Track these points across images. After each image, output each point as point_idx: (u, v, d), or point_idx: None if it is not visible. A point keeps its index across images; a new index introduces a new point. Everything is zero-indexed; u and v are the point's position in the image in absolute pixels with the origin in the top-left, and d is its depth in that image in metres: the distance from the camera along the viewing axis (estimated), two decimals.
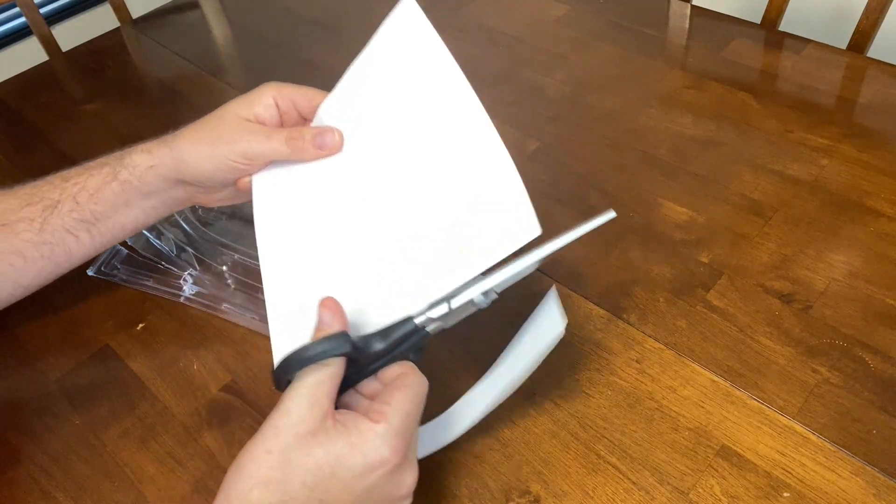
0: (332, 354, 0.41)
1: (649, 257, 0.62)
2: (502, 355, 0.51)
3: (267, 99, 0.54)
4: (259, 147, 0.52)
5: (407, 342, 0.44)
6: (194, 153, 0.53)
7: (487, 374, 0.50)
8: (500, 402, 0.49)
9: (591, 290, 0.59)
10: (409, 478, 0.42)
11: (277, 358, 0.43)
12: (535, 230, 0.44)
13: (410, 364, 0.44)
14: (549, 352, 0.48)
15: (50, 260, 0.55)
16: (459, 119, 0.48)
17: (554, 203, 0.67)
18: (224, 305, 0.61)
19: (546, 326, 0.48)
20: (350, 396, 0.45)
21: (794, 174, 0.67)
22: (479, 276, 0.45)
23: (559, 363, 0.55)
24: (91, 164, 0.56)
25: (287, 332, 0.48)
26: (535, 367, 0.48)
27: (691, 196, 0.66)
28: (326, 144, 0.53)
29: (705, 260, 0.61)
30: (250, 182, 0.55)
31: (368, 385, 0.45)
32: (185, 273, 0.63)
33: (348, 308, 0.45)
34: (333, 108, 0.55)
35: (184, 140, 0.54)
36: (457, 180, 0.48)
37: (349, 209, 0.52)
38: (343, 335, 0.42)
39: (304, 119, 0.56)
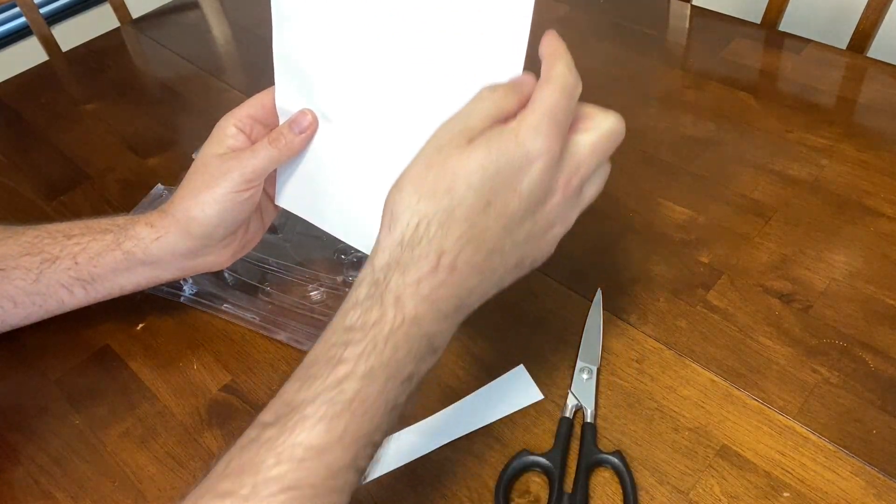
0: None
1: (649, 257, 0.62)
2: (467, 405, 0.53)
3: (230, 129, 0.54)
4: (251, 164, 0.52)
5: None
6: (198, 204, 0.53)
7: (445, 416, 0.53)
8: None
9: (591, 290, 0.59)
10: (566, 175, 0.41)
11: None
12: None
13: (558, 51, 0.41)
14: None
15: (41, 308, 0.56)
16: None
17: None
18: (224, 305, 0.61)
19: (523, 396, 0.53)
20: None
21: (794, 174, 0.67)
22: None
23: (559, 363, 0.55)
24: (95, 224, 0.56)
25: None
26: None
27: (691, 196, 0.66)
28: (304, 126, 0.53)
29: (705, 260, 0.61)
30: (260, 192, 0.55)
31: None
32: None
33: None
34: (284, 89, 0.55)
35: (181, 200, 0.54)
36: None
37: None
38: None
39: (269, 127, 0.56)
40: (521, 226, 0.40)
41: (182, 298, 0.62)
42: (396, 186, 0.40)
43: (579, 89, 0.41)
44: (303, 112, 0.54)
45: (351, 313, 0.39)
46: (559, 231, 0.43)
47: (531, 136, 0.39)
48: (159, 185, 0.73)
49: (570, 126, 0.41)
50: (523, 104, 0.41)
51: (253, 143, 0.54)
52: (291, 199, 0.58)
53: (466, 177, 0.39)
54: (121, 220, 0.56)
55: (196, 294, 0.62)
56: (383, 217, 0.40)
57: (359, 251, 0.63)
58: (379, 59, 0.50)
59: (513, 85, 0.42)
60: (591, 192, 0.44)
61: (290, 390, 0.38)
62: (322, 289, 0.61)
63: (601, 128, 0.42)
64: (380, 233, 0.40)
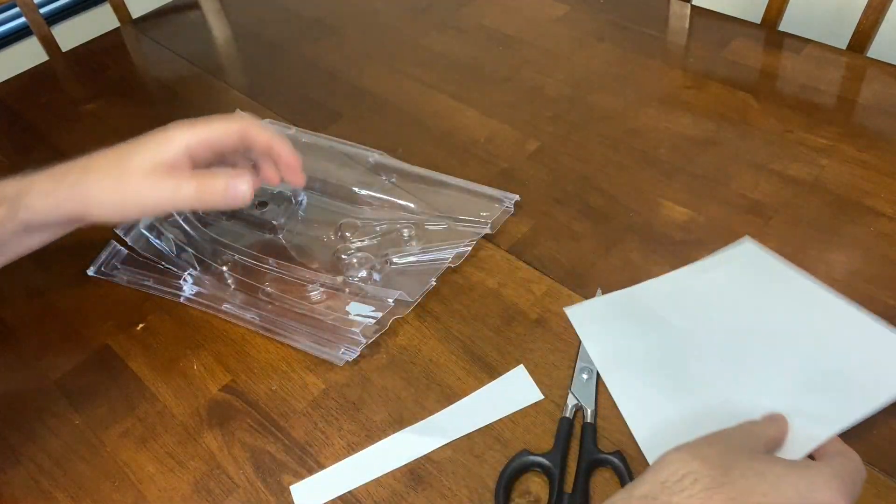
0: None
1: (649, 257, 0.62)
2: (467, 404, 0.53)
3: (179, 146, 0.52)
4: (168, 199, 0.52)
5: None
6: (99, 200, 0.52)
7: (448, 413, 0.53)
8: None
9: (591, 291, 0.59)
10: None
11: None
12: None
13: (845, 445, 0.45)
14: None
15: None
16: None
17: (554, 203, 0.67)
18: (224, 305, 0.61)
19: (523, 396, 0.53)
20: None
21: (794, 174, 0.67)
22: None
23: (559, 363, 0.55)
24: None
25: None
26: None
27: (691, 196, 0.66)
28: (238, 196, 0.52)
29: None
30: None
31: None
32: (185, 273, 0.64)
33: None
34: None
35: (88, 185, 0.52)
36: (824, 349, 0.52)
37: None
38: None
39: (218, 154, 0.55)
40: None
41: (182, 298, 0.62)
42: (675, 447, 0.42)
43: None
44: (244, 179, 0.52)
45: None
46: None
47: (825, 484, 0.40)
48: None
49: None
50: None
51: (192, 165, 0.53)
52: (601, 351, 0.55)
53: (749, 469, 0.40)
54: (10, 188, 0.53)
55: (196, 294, 0.62)
56: (654, 462, 0.41)
57: (359, 251, 0.64)
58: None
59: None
60: None
61: None
62: (322, 289, 0.61)
63: None
64: (646, 470, 0.41)
